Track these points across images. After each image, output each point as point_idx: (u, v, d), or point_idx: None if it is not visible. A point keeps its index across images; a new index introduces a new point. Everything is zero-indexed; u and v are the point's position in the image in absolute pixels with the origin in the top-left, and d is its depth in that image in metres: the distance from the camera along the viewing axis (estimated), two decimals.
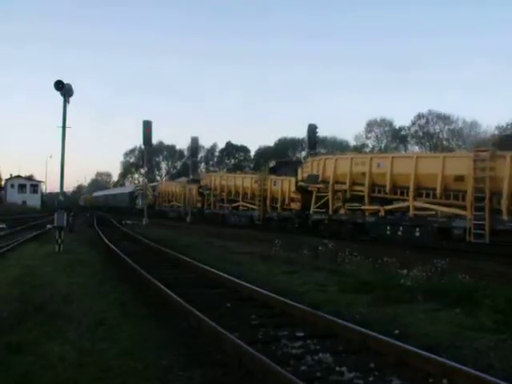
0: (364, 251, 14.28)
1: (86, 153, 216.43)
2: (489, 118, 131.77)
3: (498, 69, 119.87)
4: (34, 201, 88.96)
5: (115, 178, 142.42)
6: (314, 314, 7.47)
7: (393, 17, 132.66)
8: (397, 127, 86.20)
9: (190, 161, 53.08)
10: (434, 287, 9.27)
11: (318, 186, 24.95)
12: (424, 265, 11.08)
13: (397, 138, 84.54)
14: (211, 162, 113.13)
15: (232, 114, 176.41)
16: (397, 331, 6.78)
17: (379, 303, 8.60)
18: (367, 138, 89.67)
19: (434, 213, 18.96)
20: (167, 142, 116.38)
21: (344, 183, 23.17)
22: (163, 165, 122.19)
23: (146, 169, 63.68)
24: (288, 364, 5.52)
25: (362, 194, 22.23)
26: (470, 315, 7.63)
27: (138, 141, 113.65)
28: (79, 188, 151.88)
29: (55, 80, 17.88)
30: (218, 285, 10.67)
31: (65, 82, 18.01)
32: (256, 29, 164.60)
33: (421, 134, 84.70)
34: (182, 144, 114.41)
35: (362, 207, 22.32)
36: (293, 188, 29.15)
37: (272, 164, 44.25)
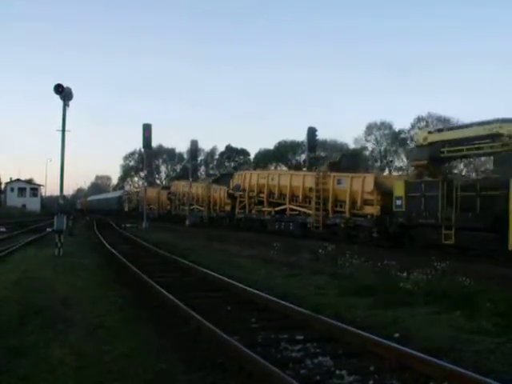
0: (364, 254, 14.27)
1: (85, 156, 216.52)
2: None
3: (497, 71, 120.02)
4: (33, 204, 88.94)
5: (115, 181, 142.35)
6: (314, 317, 7.46)
7: (393, 20, 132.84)
8: (396, 130, 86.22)
9: (189, 164, 53.24)
10: (434, 290, 9.26)
11: (239, 193, 34.29)
12: (424, 268, 11.08)
13: (396, 140, 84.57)
14: (211, 165, 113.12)
15: (232, 117, 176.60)
16: (397, 334, 6.77)
17: (379, 306, 8.59)
18: (367, 140, 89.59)
19: (297, 213, 28.21)
20: (167, 145, 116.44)
21: (254, 191, 32.63)
22: (163, 168, 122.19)
23: (145, 172, 63.91)
24: (288, 367, 5.51)
25: (263, 199, 31.60)
26: (470, 318, 7.62)
27: (137, 144, 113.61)
28: (79, 191, 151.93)
29: (55, 83, 17.89)
30: (219, 288, 10.67)
31: (64, 85, 18.02)
32: (256, 32, 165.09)
33: None
34: (182, 147, 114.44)
35: (263, 209, 31.64)
36: (225, 195, 37.59)
37: (217, 175, 50.02)
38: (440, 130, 20.61)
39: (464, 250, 17.26)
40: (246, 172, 36.61)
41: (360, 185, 23.51)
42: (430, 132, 20.60)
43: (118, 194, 79.69)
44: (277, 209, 30.30)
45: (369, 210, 22.80)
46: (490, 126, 17.57)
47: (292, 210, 28.86)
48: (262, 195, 31.85)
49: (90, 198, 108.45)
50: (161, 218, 52.08)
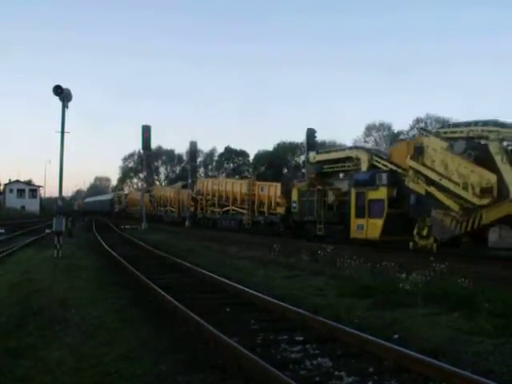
0: (363, 255, 14.27)
1: (84, 157, 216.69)
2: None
3: (496, 72, 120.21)
4: (32, 205, 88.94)
5: (114, 182, 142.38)
6: (314, 318, 7.46)
7: (391, 21, 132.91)
8: (395, 131, 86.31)
9: (189, 165, 53.36)
10: (433, 291, 9.25)
11: (200, 197, 41.69)
12: (423, 269, 11.07)
13: (395, 141, 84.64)
14: (210, 167, 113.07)
15: (231, 119, 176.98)
16: (396, 335, 6.78)
17: (378, 307, 8.59)
18: (366, 141, 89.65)
19: (236, 212, 35.64)
20: (166, 146, 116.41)
21: (209, 195, 40.31)
22: (162, 169, 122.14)
23: (144, 173, 64.12)
24: (287, 368, 5.51)
25: (215, 202, 39.12)
26: (469, 319, 7.62)
27: (137, 145, 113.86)
28: (78, 193, 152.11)
29: (54, 85, 17.89)
30: (217, 289, 10.67)
31: (63, 86, 18.02)
32: (255, 33, 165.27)
33: None
34: (181, 149, 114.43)
35: (214, 209, 39.22)
36: (189, 198, 44.40)
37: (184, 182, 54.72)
38: (324, 152, 28.16)
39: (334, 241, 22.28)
40: (205, 180, 47.23)
41: (274, 191, 31.39)
42: (317, 153, 28.00)
43: (109, 196, 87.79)
44: (224, 209, 38.08)
45: (279, 210, 30.16)
46: (346, 151, 25.90)
47: (233, 210, 36.54)
48: (214, 198, 39.48)
49: (85, 200, 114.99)
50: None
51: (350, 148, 26.81)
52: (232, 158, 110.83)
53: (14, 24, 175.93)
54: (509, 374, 5.31)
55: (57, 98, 18.08)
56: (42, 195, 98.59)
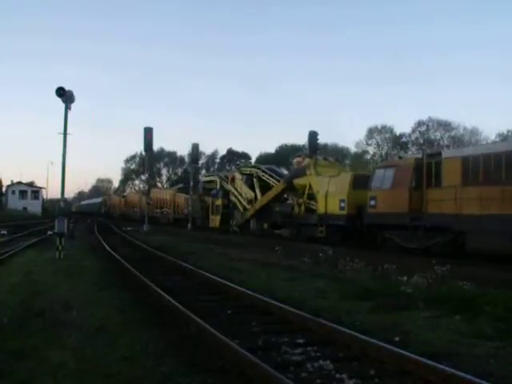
0: (365, 258, 14.28)
1: (87, 159, 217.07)
2: (490, 124, 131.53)
3: (499, 75, 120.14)
4: (35, 207, 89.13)
5: (116, 184, 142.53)
6: (315, 320, 7.46)
7: (396, 19, 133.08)
8: (397, 134, 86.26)
9: (190, 167, 53.48)
10: (434, 294, 9.26)
11: (151, 202, 52.93)
12: (424, 271, 11.08)
13: (397, 144, 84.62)
14: (212, 169, 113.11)
15: (233, 121, 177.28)
16: (397, 338, 6.78)
17: (379, 310, 8.59)
18: (368, 144, 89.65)
19: (167, 212, 53.96)
20: (168, 148, 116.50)
21: (155, 200, 56.16)
22: (164, 171, 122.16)
23: (146, 175, 64.16)
24: (288, 371, 5.52)
25: (157, 205, 56.81)
26: (471, 322, 7.62)
27: (138, 147, 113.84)
28: (80, 194, 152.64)
29: (57, 87, 17.93)
30: (218, 291, 10.69)
31: (66, 88, 18.06)
32: (257, 34, 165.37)
33: (421, 140, 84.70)
34: (183, 150, 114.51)
35: (157, 210, 55.89)
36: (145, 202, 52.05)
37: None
38: (205, 176, 50.45)
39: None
40: (153, 189, 64.75)
41: (181, 199, 50.75)
42: (205, 176, 48.02)
43: (99, 200, 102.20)
44: (161, 210, 56.56)
45: (185, 211, 48.05)
46: (211, 177, 44.99)
47: (166, 211, 55.26)
48: (157, 203, 56.79)
49: (82, 203, 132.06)
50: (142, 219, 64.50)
51: (213, 175, 46.67)
52: (234, 160, 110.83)
53: (13, 32, 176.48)
54: (510, 378, 5.31)
55: (59, 99, 18.13)
56: (44, 196, 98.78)
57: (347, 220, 22.80)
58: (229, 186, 37.21)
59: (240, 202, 35.12)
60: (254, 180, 34.05)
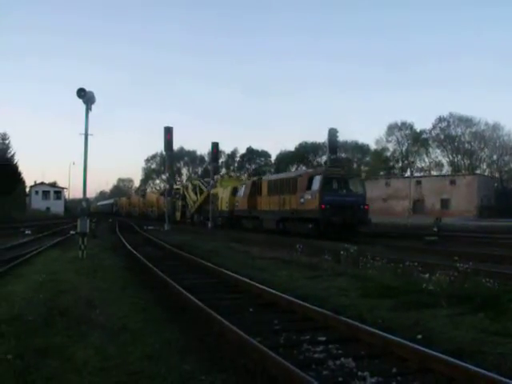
0: (386, 255, 14.18)
1: (108, 159, 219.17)
2: None
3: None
4: (57, 207, 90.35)
5: (137, 183, 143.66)
6: (336, 318, 7.45)
7: (412, 18, 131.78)
8: (418, 130, 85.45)
9: (210, 166, 53.72)
10: (457, 292, 9.16)
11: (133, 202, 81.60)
12: (447, 269, 10.96)
13: (418, 141, 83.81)
14: (232, 167, 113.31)
15: (253, 120, 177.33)
16: (420, 336, 6.73)
17: (402, 308, 8.53)
18: (388, 141, 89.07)
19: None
20: (188, 147, 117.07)
21: (133, 202, 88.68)
22: (184, 170, 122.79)
23: (167, 174, 65.38)
24: (310, 368, 5.52)
25: (135, 205, 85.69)
26: (495, 320, 7.51)
27: (159, 147, 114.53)
28: (101, 194, 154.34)
29: (78, 88, 18.07)
30: (238, 289, 10.72)
31: (87, 89, 18.20)
32: (275, 35, 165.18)
33: (442, 137, 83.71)
34: (203, 150, 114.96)
35: (134, 209, 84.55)
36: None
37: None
38: (180, 185, 69.74)
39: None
40: (133, 194, 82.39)
41: (155, 198, 70.89)
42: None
43: (111, 201, 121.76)
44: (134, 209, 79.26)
45: (155, 209, 68.71)
46: (178, 186, 65.88)
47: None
48: (133, 203, 78.83)
49: (97, 204, 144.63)
50: (141, 217, 77.23)
51: (178, 186, 65.38)
52: (254, 158, 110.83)
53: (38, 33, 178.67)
54: None
55: (80, 100, 18.27)
56: (67, 197, 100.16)
57: (229, 213, 39.62)
58: (185, 193, 55.32)
59: (189, 203, 53.57)
60: (197, 189, 51.25)
